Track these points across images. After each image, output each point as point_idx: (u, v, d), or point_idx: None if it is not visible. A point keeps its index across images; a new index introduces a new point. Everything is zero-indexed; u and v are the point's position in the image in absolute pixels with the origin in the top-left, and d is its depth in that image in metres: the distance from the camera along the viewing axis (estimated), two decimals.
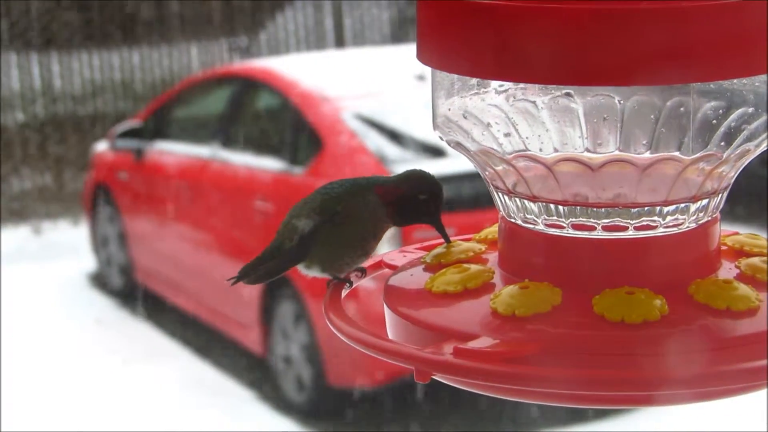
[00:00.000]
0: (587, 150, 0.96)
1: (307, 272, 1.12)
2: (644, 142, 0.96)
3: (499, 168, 1.00)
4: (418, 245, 1.13)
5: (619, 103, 0.95)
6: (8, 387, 5.71)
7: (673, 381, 0.91)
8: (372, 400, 5.35)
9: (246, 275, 1.14)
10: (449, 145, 1.02)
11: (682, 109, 0.94)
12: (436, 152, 5.28)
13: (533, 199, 0.99)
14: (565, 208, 0.99)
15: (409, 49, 7.73)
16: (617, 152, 0.96)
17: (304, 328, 5.42)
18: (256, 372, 5.87)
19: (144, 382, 5.81)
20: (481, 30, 0.91)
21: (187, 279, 6.49)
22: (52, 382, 5.86)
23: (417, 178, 1.12)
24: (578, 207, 0.98)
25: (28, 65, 10.52)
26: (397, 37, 11.37)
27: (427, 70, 0.99)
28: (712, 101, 0.95)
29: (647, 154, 0.96)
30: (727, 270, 1.01)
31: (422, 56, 0.97)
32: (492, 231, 1.10)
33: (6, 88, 10.41)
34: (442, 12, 0.94)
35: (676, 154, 0.96)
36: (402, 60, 6.30)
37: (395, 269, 1.11)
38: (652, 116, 0.95)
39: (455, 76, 0.98)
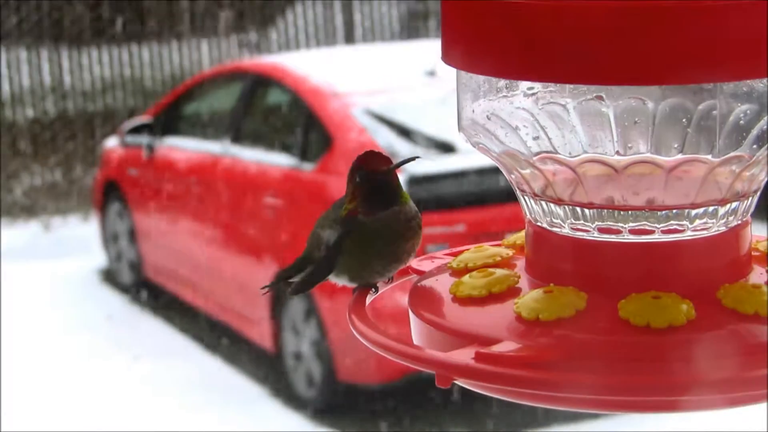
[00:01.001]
0: (618, 153, 0.95)
1: (337, 281, 1.12)
2: (675, 145, 0.94)
3: (525, 171, 0.99)
4: (447, 251, 1.12)
5: (651, 107, 0.93)
6: (16, 384, 5.70)
7: (699, 387, 0.89)
8: (381, 397, 5.34)
9: (280, 282, 1.14)
10: (474, 147, 1.00)
11: (714, 112, 0.93)
12: (446, 148, 5.25)
13: (559, 202, 0.98)
14: (592, 211, 0.97)
15: (419, 45, 7.72)
16: (646, 154, 0.95)
17: (314, 324, 5.41)
18: (266, 368, 5.86)
19: (154, 378, 5.80)
20: (507, 29, 0.90)
21: (197, 275, 6.49)
22: (62, 378, 5.85)
23: (357, 172, 1.11)
24: (605, 210, 0.97)
25: (38, 61, 10.51)
26: (407, 33, 11.36)
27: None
28: (745, 104, 0.93)
29: (678, 156, 0.94)
30: (758, 275, 0.99)
31: (447, 58, 0.95)
32: (520, 236, 1.08)
33: (16, 85, 10.42)
34: (467, 13, 0.93)
35: (704, 156, 0.94)
36: (412, 56, 6.29)
37: (422, 274, 1.10)
38: (684, 120, 0.93)
39: (482, 78, 0.97)
